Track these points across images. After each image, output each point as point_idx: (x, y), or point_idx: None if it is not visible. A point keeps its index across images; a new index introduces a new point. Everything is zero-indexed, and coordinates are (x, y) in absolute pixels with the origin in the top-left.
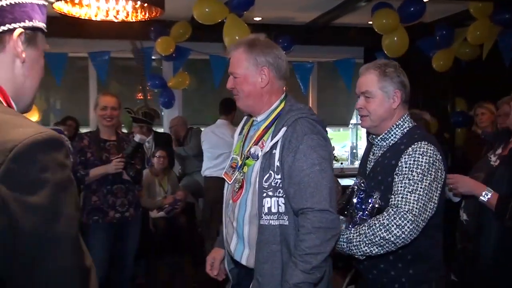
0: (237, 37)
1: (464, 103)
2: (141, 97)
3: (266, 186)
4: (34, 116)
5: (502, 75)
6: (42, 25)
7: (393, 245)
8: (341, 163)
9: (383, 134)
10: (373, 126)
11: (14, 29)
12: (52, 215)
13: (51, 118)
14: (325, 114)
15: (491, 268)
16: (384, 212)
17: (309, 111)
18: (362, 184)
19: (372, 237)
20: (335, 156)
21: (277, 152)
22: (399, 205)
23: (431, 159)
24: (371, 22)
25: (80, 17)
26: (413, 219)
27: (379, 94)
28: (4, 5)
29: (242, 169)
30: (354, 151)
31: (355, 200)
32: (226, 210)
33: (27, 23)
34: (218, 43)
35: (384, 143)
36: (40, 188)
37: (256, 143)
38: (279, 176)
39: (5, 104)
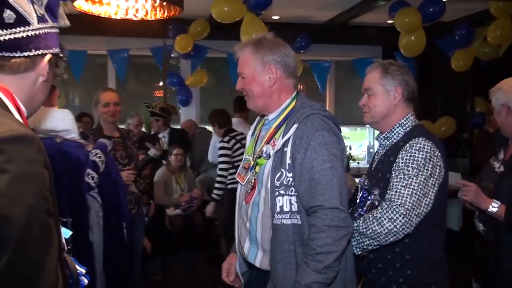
0: (254, 36)
1: (483, 103)
2: (159, 94)
3: (278, 185)
4: None
5: None
6: (59, 50)
7: (384, 239)
8: (358, 163)
9: (386, 133)
10: (374, 122)
11: (46, 54)
12: (7, 201)
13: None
14: (343, 113)
15: None
16: (378, 206)
17: (321, 108)
18: (366, 183)
19: (365, 230)
20: (352, 156)
21: (288, 149)
22: (392, 199)
23: (427, 154)
24: (390, 21)
25: (100, 15)
26: (405, 213)
27: (379, 90)
28: (41, 33)
29: (254, 169)
30: (371, 150)
31: (358, 198)
32: (240, 212)
33: (54, 50)
34: (236, 41)
35: (387, 142)
36: (1, 175)
37: (267, 142)
38: (290, 174)
39: (14, 107)
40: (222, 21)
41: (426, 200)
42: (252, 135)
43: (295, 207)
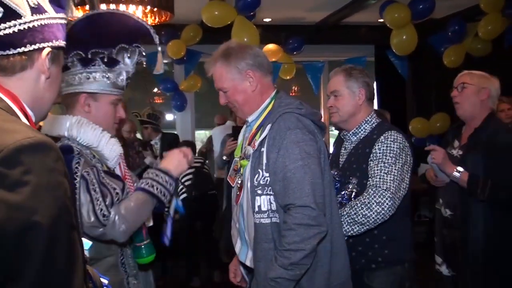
0: (245, 39)
1: None
2: (159, 100)
3: (256, 184)
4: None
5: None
6: (64, 44)
7: (373, 222)
8: None
9: (354, 129)
10: (342, 121)
11: (43, 48)
12: (30, 214)
13: None
14: None
15: (483, 252)
16: (364, 193)
17: (298, 106)
18: (337, 175)
19: (354, 216)
20: None
21: (264, 149)
22: (378, 185)
23: (401, 145)
24: (381, 20)
25: None
26: (391, 196)
27: (345, 92)
28: (36, 25)
29: (241, 171)
30: None
31: None
32: (233, 213)
33: (54, 43)
34: None
35: (355, 137)
36: (21, 188)
37: (249, 143)
38: (267, 174)
39: (20, 112)
40: (213, 25)
41: (403, 185)
42: (242, 136)
43: (273, 206)
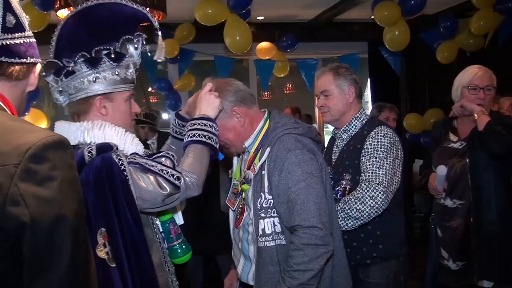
0: (237, 38)
1: None
2: (153, 100)
3: (259, 208)
4: (43, 122)
5: (507, 65)
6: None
7: (367, 216)
8: None
9: (345, 126)
10: (334, 120)
11: (37, 63)
12: (59, 207)
13: None
14: None
15: (498, 233)
16: (357, 188)
17: (294, 125)
18: (330, 172)
19: (349, 210)
20: None
21: (265, 173)
22: (370, 180)
23: (391, 139)
24: (374, 16)
25: None
26: (384, 190)
27: (335, 91)
28: (31, 41)
29: (242, 195)
30: None
31: None
32: (233, 235)
33: (39, 59)
34: (222, 44)
35: (346, 135)
36: (51, 183)
37: (248, 168)
38: (270, 196)
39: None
40: (206, 23)
41: (395, 179)
42: (238, 157)
43: (278, 228)
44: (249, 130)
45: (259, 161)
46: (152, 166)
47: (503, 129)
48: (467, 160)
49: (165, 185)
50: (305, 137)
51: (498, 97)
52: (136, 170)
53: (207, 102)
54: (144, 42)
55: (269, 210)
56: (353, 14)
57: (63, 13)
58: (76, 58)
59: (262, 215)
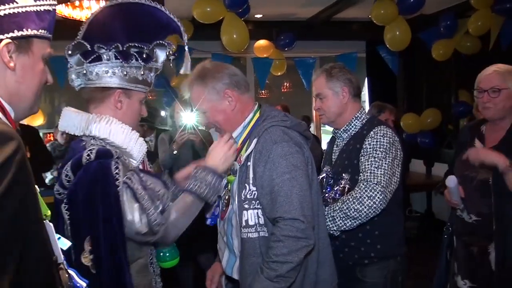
0: (234, 36)
1: (467, 94)
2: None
3: (243, 199)
4: (39, 119)
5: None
6: (37, 32)
7: (365, 216)
8: None
9: (345, 126)
10: (331, 122)
11: (1, 40)
12: None
13: (56, 120)
14: None
15: None
16: (356, 188)
17: (282, 118)
18: (330, 172)
19: (347, 210)
20: None
21: (250, 164)
22: (369, 179)
23: (390, 139)
24: (370, 15)
25: (81, 20)
26: (382, 190)
27: (329, 93)
28: None
29: (228, 187)
30: None
31: (325, 186)
32: (219, 228)
33: (16, 33)
34: (220, 41)
35: (346, 134)
36: None
37: (235, 159)
38: (254, 188)
39: None
40: (204, 21)
41: (394, 179)
42: None
43: (262, 220)
44: (239, 117)
45: (245, 152)
46: (144, 199)
47: None
48: (490, 177)
49: (144, 224)
50: (293, 131)
51: None
52: (128, 192)
53: (224, 157)
54: (170, 52)
55: (253, 201)
56: (351, 13)
57: (61, 10)
58: (111, 47)
59: (246, 206)
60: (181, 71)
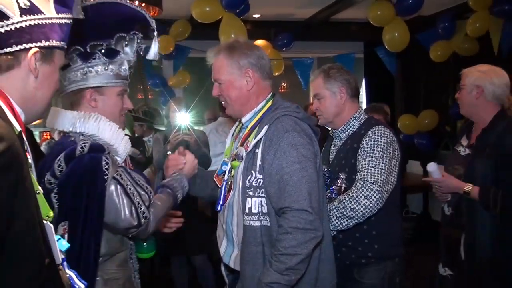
0: (233, 36)
1: None
2: (142, 96)
3: (248, 186)
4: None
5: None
6: (59, 43)
7: (361, 216)
8: None
9: (343, 126)
10: (328, 122)
11: (30, 48)
12: None
13: None
14: None
15: (490, 260)
16: (352, 187)
17: (296, 109)
18: (327, 171)
19: (343, 209)
20: None
21: (259, 151)
22: (365, 179)
23: (388, 139)
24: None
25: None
26: (379, 189)
27: (326, 94)
28: (24, 26)
29: (231, 172)
30: None
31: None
32: (219, 214)
33: (43, 43)
34: (218, 41)
35: (344, 134)
36: None
37: (241, 144)
38: (261, 176)
39: (7, 108)
40: (203, 21)
41: (391, 179)
42: (232, 137)
43: (265, 209)
44: (252, 99)
45: (254, 138)
46: (133, 195)
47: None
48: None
49: (135, 218)
50: (304, 123)
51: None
52: (118, 188)
53: (190, 165)
54: (140, 41)
55: (258, 189)
56: (349, 14)
57: None
58: (71, 51)
59: (251, 193)
60: (148, 57)
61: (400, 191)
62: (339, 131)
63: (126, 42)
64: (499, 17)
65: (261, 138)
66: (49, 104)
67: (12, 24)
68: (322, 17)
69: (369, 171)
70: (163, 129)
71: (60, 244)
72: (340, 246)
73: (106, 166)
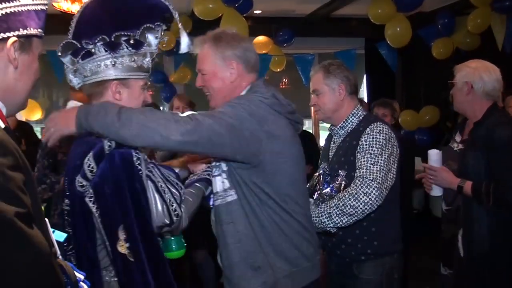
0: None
1: None
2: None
3: (209, 169)
4: (37, 113)
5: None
6: (37, 31)
7: (361, 213)
8: None
9: (342, 123)
10: (326, 118)
11: (8, 37)
12: None
13: None
14: None
15: (488, 254)
16: (351, 184)
17: (264, 94)
18: (327, 168)
19: (343, 207)
20: None
21: None
22: (364, 176)
23: (386, 136)
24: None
25: None
26: (378, 186)
27: (325, 89)
28: (0, 14)
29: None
30: None
31: (321, 183)
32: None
33: (21, 32)
34: None
35: (343, 131)
36: None
37: None
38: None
39: None
40: (205, 18)
41: (390, 175)
42: None
43: (226, 184)
44: (235, 93)
45: None
46: (165, 192)
47: (487, 188)
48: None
49: (167, 216)
50: (271, 108)
51: (504, 96)
52: (150, 185)
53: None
54: (163, 33)
55: (216, 168)
56: (350, 10)
57: (60, 4)
58: (96, 41)
59: (216, 173)
60: (181, 51)
61: (400, 188)
62: (338, 128)
63: (153, 34)
64: (501, 13)
65: None
66: (29, 95)
67: None
68: (323, 13)
69: (368, 168)
70: None
71: (57, 235)
72: (340, 243)
73: (138, 162)
